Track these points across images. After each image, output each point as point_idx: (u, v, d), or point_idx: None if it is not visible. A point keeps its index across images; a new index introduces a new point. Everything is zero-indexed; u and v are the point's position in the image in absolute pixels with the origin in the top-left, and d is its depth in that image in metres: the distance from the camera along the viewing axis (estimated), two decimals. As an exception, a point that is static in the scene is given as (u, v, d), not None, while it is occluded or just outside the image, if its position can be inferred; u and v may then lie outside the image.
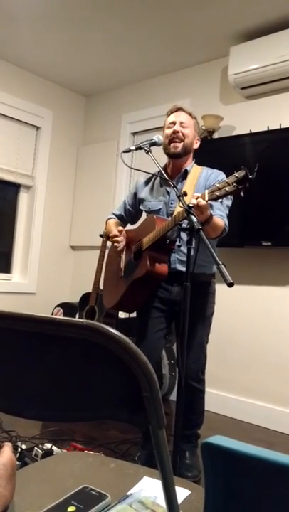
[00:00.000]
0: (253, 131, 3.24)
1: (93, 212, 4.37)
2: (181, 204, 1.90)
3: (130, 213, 2.56)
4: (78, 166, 4.63)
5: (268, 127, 3.19)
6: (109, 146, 4.39)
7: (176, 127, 2.27)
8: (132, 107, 4.28)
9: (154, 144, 2.22)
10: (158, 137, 2.24)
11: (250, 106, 3.45)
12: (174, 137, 2.27)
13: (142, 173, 2.39)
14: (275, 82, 3.17)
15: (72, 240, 4.59)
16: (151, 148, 2.20)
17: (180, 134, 2.26)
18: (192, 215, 1.81)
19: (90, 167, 4.52)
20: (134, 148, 2.24)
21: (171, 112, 2.35)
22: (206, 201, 1.85)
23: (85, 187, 4.55)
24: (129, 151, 2.25)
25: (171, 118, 2.32)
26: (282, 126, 3.12)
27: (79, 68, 4.09)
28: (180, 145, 2.27)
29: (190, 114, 2.34)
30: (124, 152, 2.25)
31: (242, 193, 1.79)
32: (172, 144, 2.27)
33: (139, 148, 2.21)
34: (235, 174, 1.77)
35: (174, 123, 2.29)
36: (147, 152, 2.18)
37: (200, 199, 1.85)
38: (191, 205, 1.85)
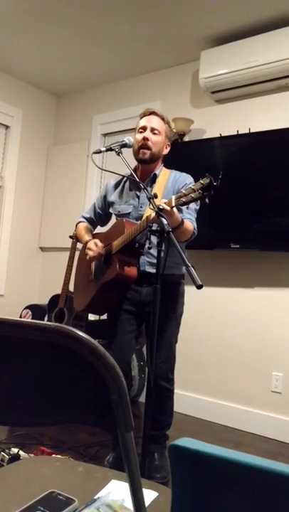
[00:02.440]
0: (222, 134, 3.28)
1: (63, 214, 4.34)
2: (151, 206, 1.90)
3: (100, 216, 2.55)
4: (48, 167, 4.58)
5: (237, 131, 3.23)
6: (79, 146, 4.36)
7: (146, 134, 2.28)
8: (104, 108, 4.26)
9: (124, 145, 2.22)
10: (129, 139, 2.24)
11: (221, 110, 3.50)
12: (142, 144, 2.28)
13: (112, 175, 2.38)
14: (244, 87, 3.22)
15: (42, 241, 4.54)
16: (122, 149, 2.20)
17: (149, 142, 2.27)
18: (162, 217, 1.82)
19: (60, 168, 4.48)
20: (104, 149, 2.23)
21: (144, 115, 2.35)
22: (172, 207, 1.86)
23: (55, 188, 4.51)
24: (99, 152, 2.24)
25: (143, 122, 2.32)
26: (252, 131, 3.18)
27: (50, 68, 4.05)
28: (148, 152, 2.28)
29: (162, 119, 2.34)
30: (94, 153, 2.24)
31: (207, 200, 1.82)
32: (141, 151, 2.28)
33: (110, 149, 2.21)
34: (201, 181, 1.79)
35: (144, 128, 2.30)
36: (118, 154, 2.18)
37: (165, 206, 1.86)
38: (161, 207, 1.86)
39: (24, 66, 4.06)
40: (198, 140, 3.49)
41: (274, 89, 3.21)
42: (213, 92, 3.36)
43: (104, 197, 2.50)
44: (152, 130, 2.28)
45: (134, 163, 2.35)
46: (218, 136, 3.30)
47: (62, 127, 4.61)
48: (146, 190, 2.06)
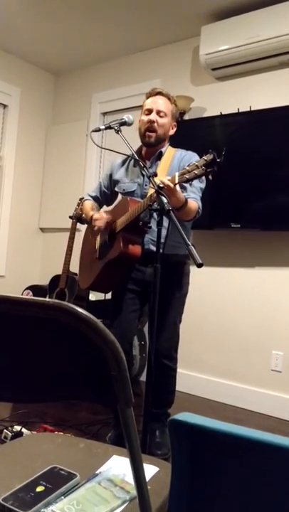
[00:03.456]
0: (223, 112, 3.24)
1: (63, 194, 4.31)
2: (151, 185, 1.89)
3: (105, 195, 2.54)
4: (47, 146, 4.53)
5: (238, 109, 3.19)
6: (79, 125, 4.31)
7: (153, 116, 2.25)
8: (103, 86, 4.20)
9: (124, 123, 2.19)
10: (128, 117, 2.20)
11: (221, 87, 3.44)
12: (148, 126, 2.25)
13: (114, 153, 2.36)
14: (246, 63, 3.16)
15: (42, 222, 4.52)
16: (122, 128, 2.17)
17: (155, 125, 2.25)
18: (162, 195, 1.81)
19: (59, 147, 4.44)
20: (103, 127, 2.20)
21: (150, 95, 2.31)
22: (175, 184, 1.85)
23: (54, 167, 4.47)
24: (98, 130, 2.21)
25: (150, 104, 2.28)
26: (252, 109, 3.13)
27: (48, 45, 3.97)
28: (153, 135, 2.26)
29: (169, 99, 2.30)
30: (93, 131, 2.21)
31: (210, 177, 1.80)
32: (147, 134, 2.26)
33: (109, 127, 2.18)
34: (204, 157, 1.77)
35: (150, 111, 2.26)
36: (117, 132, 2.15)
37: (168, 182, 1.84)
38: (160, 185, 1.84)
39: (22, 44, 3.98)
40: (198, 118, 3.45)
41: (275, 66, 3.15)
42: (213, 69, 3.30)
43: (110, 175, 2.48)
44: (158, 113, 2.25)
45: (134, 141, 2.33)
46: (219, 114, 3.25)
47: (61, 106, 4.55)
48: (146, 169, 2.04)
